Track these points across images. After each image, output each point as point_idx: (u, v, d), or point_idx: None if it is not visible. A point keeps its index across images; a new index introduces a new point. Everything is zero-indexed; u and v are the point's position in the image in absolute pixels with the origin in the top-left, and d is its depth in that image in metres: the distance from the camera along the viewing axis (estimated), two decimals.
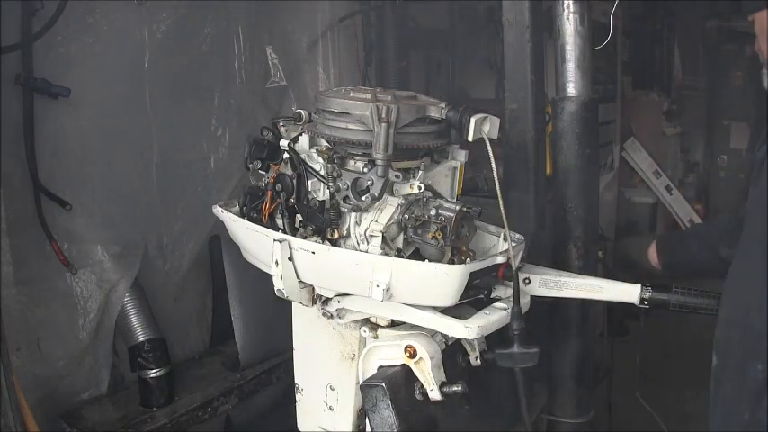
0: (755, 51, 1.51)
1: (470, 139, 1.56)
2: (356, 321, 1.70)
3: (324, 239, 1.63)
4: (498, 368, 1.72)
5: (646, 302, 1.72)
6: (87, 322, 2.31)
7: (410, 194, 1.61)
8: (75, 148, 2.29)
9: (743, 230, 1.50)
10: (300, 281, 1.62)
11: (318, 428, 1.84)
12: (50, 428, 2.21)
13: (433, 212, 1.56)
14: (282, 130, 1.75)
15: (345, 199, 1.62)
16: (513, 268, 1.58)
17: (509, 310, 1.56)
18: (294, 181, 1.66)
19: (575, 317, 2.26)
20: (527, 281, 1.74)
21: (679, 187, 5.53)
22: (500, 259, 1.58)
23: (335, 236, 1.61)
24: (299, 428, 1.92)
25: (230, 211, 1.79)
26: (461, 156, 1.73)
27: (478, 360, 1.71)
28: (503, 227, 1.61)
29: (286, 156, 1.70)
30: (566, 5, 2.11)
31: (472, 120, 1.54)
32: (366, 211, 1.58)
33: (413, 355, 1.59)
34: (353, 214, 1.60)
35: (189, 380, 2.54)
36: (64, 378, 2.29)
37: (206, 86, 2.71)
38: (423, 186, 1.61)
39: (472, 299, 1.60)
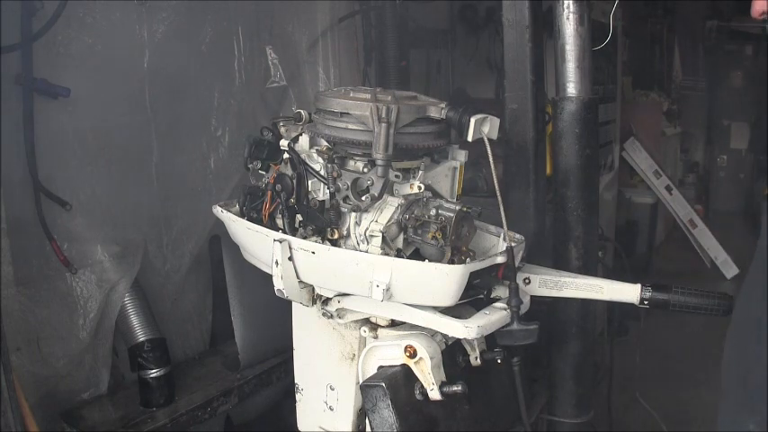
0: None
1: (470, 139, 1.56)
2: (356, 321, 1.71)
3: (324, 239, 1.63)
4: (498, 368, 1.72)
5: (646, 302, 1.72)
6: (87, 322, 2.31)
7: (410, 194, 1.61)
8: (75, 148, 2.29)
9: (755, 254, 1.41)
10: (300, 281, 1.63)
11: (318, 428, 1.84)
12: (50, 428, 2.21)
13: (433, 212, 1.57)
14: (282, 130, 1.75)
15: (345, 199, 1.62)
16: (507, 245, 1.57)
17: (509, 310, 1.56)
18: (294, 181, 1.66)
19: (575, 317, 2.27)
20: (527, 281, 1.74)
21: (679, 187, 5.54)
22: (500, 259, 1.58)
23: (335, 236, 1.61)
24: (299, 428, 1.92)
25: (230, 211, 1.79)
26: (461, 156, 1.73)
27: (478, 360, 1.71)
28: (503, 227, 1.61)
29: (286, 156, 1.70)
30: (566, 5, 2.11)
31: (472, 120, 1.55)
32: (366, 211, 1.58)
33: (413, 355, 1.59)
34: (353, 214, 1.60)
35: (189, 380, 2.54)
36: (64, 378, 2.29)
37: (206, 86, 2.71)
38: (423, 186, 1.61)
39: (472, 299, 1.60)
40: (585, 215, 2.19)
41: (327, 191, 1.62)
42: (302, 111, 1.72)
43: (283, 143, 1.71)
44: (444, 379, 1.60)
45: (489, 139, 1.59)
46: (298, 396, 1.91)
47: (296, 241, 1.58)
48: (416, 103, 1.61)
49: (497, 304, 1.59)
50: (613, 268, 2.94)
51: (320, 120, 1.62)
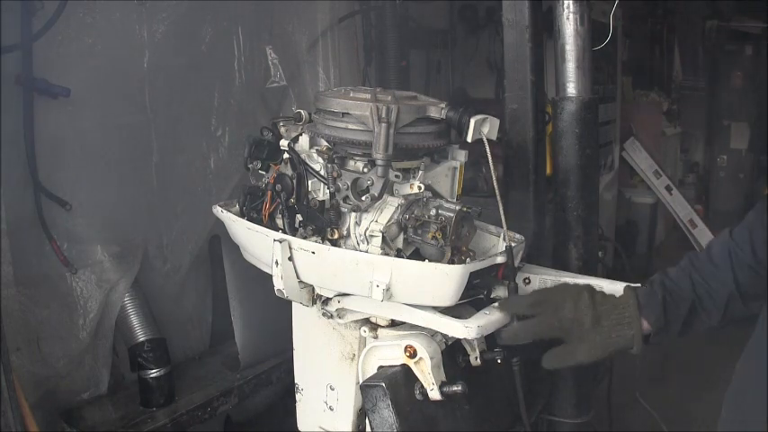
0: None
1: (470, 140, 1.56)
2: (356, 321, 1.70)
3: (324, 239, 1.63)
4: (498, 368, 1.72)
5: None
6: (87, 322, 2.31)
7: (410, 194, 1.61)
8: (75, 148, 2.29)
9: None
10: (300, 281, 1.62)
11: (318, 428, 1.84)
12: (50, 428, 2.21)
13: (433, 212, 1.56)
14: (282, 130, 1.75)
15: (345, 199, 1.62)
16: (507, 244, 1.56)
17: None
18: (294, 181, 1.66)
19: None
20: (527, 281, 1.74)
21: (679, 187, 5.54)
22: (500, 259, 1.58)
23: (335, 236, 1.61)
24: (299, 428, 1.92)
25: (230, 211, 1.79)
26: (461, 156, 1.73)
27: (478, 360, 1.71)
28: (503, 227, 1.61)
29: (286, 156, 1.70)
30: (566, 5, 2.11)
31: (472, 120, 1.55)
32: (366, 211, 1.58)
33: (413, 355, 1.59)
34: (353, 214, 1.60)
35: (189, 380, 2.54)
36: (64, 378, 2.29)
37: (206, 86, 2.71)
38: (423, 186, 1.61)
39: (472, 299, 1.60)
40: (585, 215, 2.19)
41: (327, 191, 1.62)
42: (302, 111, 1.72)
43: (283, 143, 1.71)
44: (444, 379, 1.60)
45: (489, 140, 1.59)
46: (298, 396, 1.90)
47: (296, 241, 1.58)
48: (416, 103, 1.60)
49: (497, 304, 1.59)
50: (613, 268, 2.94)
51: (320, 120, 1.62)
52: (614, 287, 1.74)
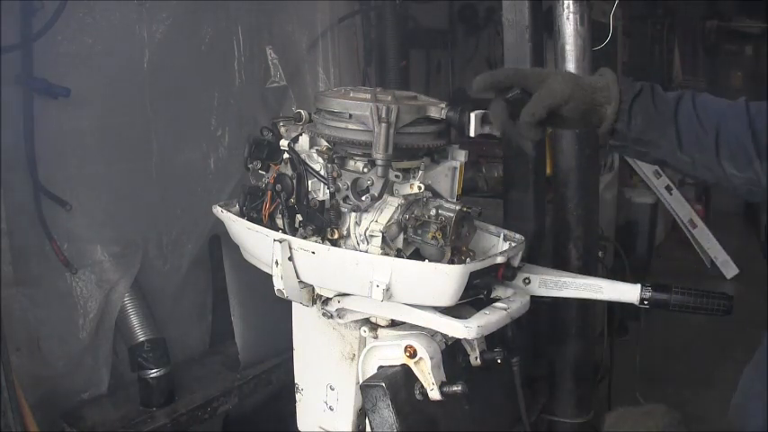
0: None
1: (472, 134, 1.56)
2: (356, 321, 1.70)
3: (324, 239, 1.63)
4: (498, 368, 1.72)
5: (646, 302, 1.71)
6: (87, 322, 2.31)
7: (410, 194, 1.61)
8: (75, 148, 2.29)
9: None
10: (300, 281, 1.63)
11: (318, 428, 1.85)
12: (50, 428, 2.21)
13: (433, 212, 1.57)
14: (282, 130, 1.75)
15: (345, 199, 1.62)
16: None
17: (509, 311, 1.56)
18: (294, 181, 1.66)
19: (575, 317, 2.27)
20: (527, 281, 1.74)
21: (679, 187, 5.53)
22: (500, 259, 1.58)
23: (335, 236, 1.61)
24: (299, 428, 1.92)
25: (230, 211, 1.79)
26: (461, 156, 1.73)
27: (478, 360, 1.71)
28: (503, 227, 1.61)
29: (286, 156, 1.70)
30: (566, 5, 2.11)
31: (472, 115, 1.55)
32: (366, 211, 1.58)
33: (413, 355, 1.59)
34: (353, 214, 1.60)
35: (189, 380, 2.54)
36: (64, 378, 2.29)
37: (206, 86, 2.71)
38: (423, 186, 1.61)
39: (472, 299, 1.60)
40: (585, 215, 2.19)
41: (327, 191, 1.61)
42: (302, 111, 1.72)
43: (283, 143, 1.71)
44: (444, 379, 1.60)
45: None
46: (298, 396, 1.91)
47: (296, 241, 1.58)
48: (416, 103, 1.60)
49: (497, 304, 1.59)
50: (613, 268, 2.94)
51: (320, 120, 1.62)
52: (614, 287, 1.74)
